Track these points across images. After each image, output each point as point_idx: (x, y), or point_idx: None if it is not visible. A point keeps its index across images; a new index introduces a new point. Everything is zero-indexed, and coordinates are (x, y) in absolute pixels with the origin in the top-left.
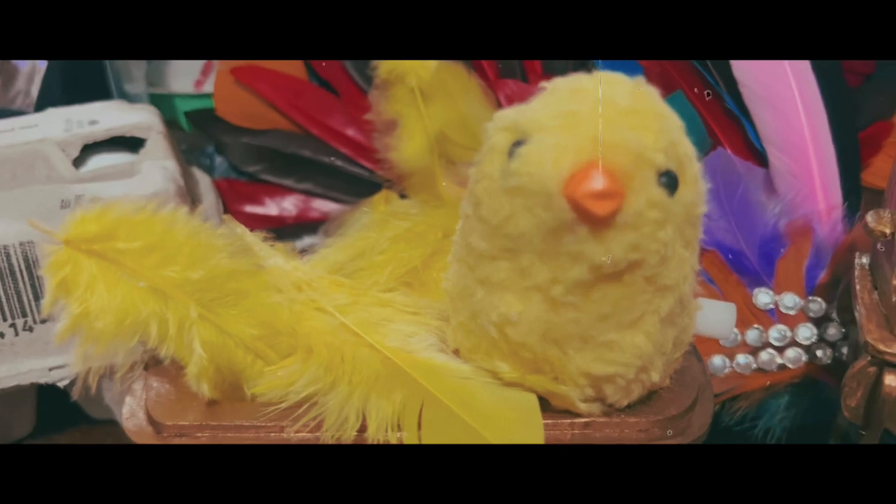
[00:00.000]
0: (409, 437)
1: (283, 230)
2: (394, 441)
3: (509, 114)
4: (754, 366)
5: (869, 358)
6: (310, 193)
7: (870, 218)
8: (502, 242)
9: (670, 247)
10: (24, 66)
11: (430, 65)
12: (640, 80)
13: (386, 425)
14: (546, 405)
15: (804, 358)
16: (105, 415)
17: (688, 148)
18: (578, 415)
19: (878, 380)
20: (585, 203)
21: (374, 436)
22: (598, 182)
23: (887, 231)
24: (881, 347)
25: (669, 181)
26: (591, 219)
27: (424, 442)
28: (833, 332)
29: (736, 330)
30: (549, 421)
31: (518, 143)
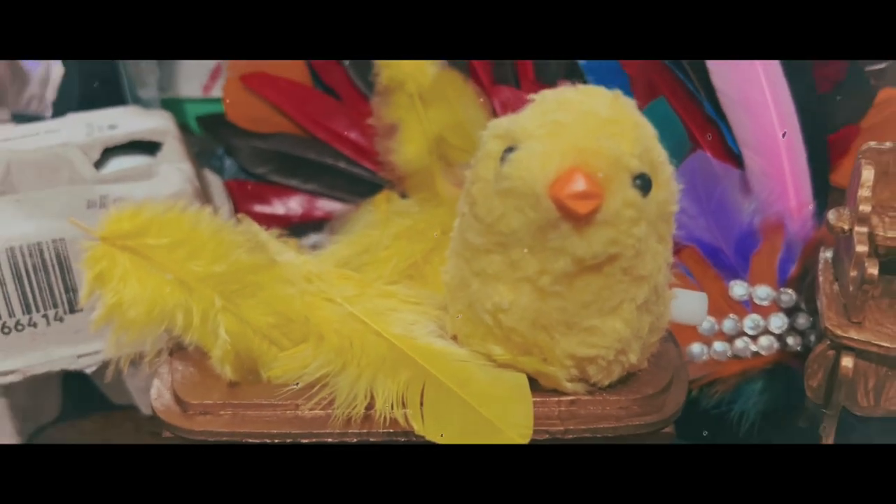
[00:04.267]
0: (412, 414)
1: (290, 228)
2: (399, 416)
3: (502, 122)
4: (730, 353)
5: (828, 342)
6: (315, 193)
7: (831, 215)
8: (495, 238)
9: (644, 241)
10: (37, 70)
11: (429, 72)
12: (618, 92)
13: (391, 402)
14: (535, 385)
15: (776, 345)
16: (126, 400)
17: (661, 153)
18: (565, 393)
19: (837, 362)
20: (568, 203)
21: (381, 410)
22: (579, 184)
23: (846, 227)
24: (838, 332)
25: (643, 183)
26: (574, 217)
27: (426, 417)
28: (803, 321)
29: (713, 319)
30: (538, 399)
31: (509, 150)
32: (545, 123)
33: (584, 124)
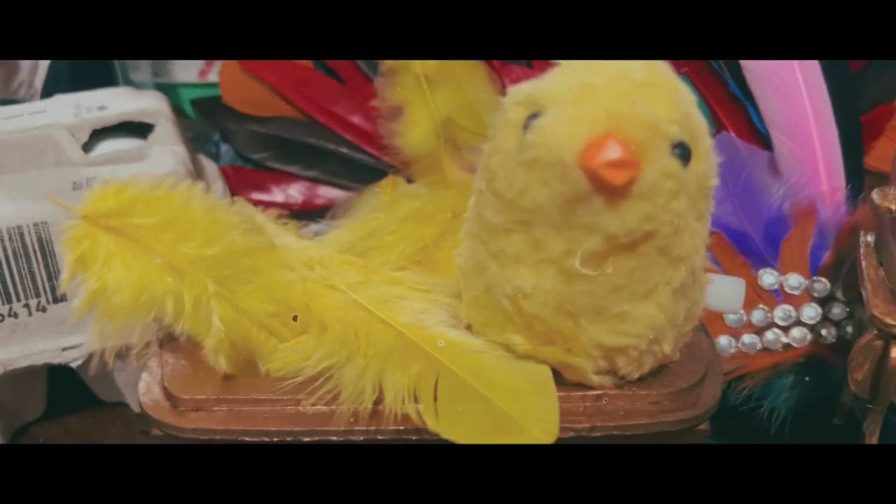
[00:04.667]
0: (425, 409)
1: (289, 217)
2: (411, 412)
3: (524, 88)
4: (760, 345)
5: (876, 332)
6: (315, 180)
7: (875, 195)
8: (517, 216)
9: (683, 218)
10: None
11: None
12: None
13: (402, 396)
14: (559, 378)
15: (809, 337)
16: (115, 397)
17: (700, 121)
18: (591, 387)
19: (885, 353)
20: (602, 172)
21: (391, 406)
22: (614, 151)
23: (893, 207)
24: (888, 321)
25: (683, 152)
26: (608, 188)
27: (441, 413)
28: (837, 311)
29: (741, 310)
30: (561, 393)
31: (533, 117)
32: (573, 87)
33: (616, 87)
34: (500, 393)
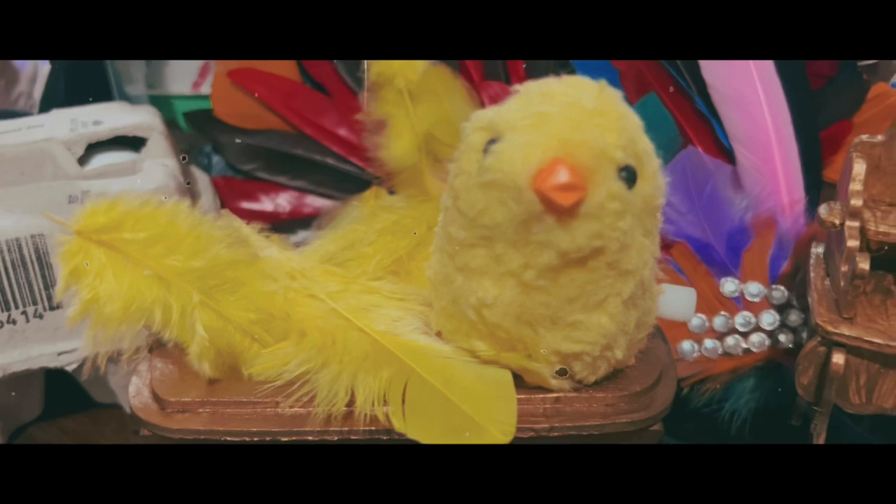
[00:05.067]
0: (393, 411)
1: (278, 225)
2: (380, 414)
3: (485, 114)
4: (721, 350)
5: (819, 339)
6: (303, 190)
7: (822, 210)
8: (479, 232)
9: (630, 235)
10: (26, 68)
11: (418, 67)
12: (604, 83)
13: (373, 399)
14: (520, 382)
15: (767, 342)
16: (109, 399)
17: (647, 145)
18: (550, 390)
19: (827, 359)
20: (551, 195)
21: (362, 408)
22: (563, 176)
23: (836, 221)
24: (829, 328)
25: (629, 175)
26: (557, 209)
27: (408, 414)
28: (794, 317)
29: (704, 316)
30: (522, 396)
31: (492, 142)
32: (529, 115)
33: (568, 116)
34: (464, 396)
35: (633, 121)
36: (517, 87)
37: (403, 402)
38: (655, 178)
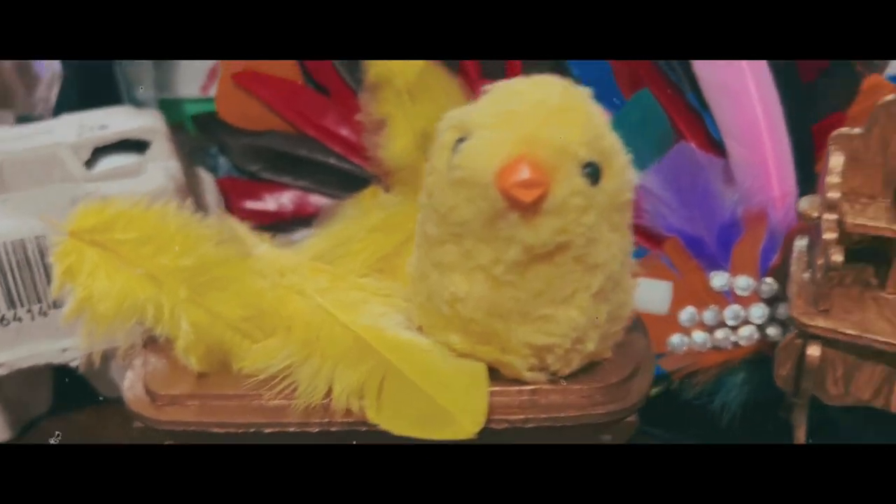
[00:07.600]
0: (368, 404)
1: (282, 224)
2: (354, 406)
3: (457, 113)
4: (710, 344)
5: (796, 331)
6: (306, 189)
7: (802, 203)
8: (450, 228)
9: (596, 230)
10: (45, 74)
11: (416, 68)
12: (570, 82)
13: (348, 392)
14: (497, 375)
15: (757, 336)
16: (114, 393)
17: (613, 142)
18: (526, 383)
19: (804, 351)
20: (513, 191)
21: (337, 400)
22: (524, 173)
23: (814, 214)
24: (804, 321)
25: (592, 172)
26: (520, 205)
27: (382, 407)
28: (783, 310)
29: (693, 310)
30: (499, 388)
31: (461, 140)
32: (496, 113)
33: (533, 114)
34: (439, 388)
35: (598, 118)
36: (486, 87)
37: (379, 395)
38: (623, 174)
